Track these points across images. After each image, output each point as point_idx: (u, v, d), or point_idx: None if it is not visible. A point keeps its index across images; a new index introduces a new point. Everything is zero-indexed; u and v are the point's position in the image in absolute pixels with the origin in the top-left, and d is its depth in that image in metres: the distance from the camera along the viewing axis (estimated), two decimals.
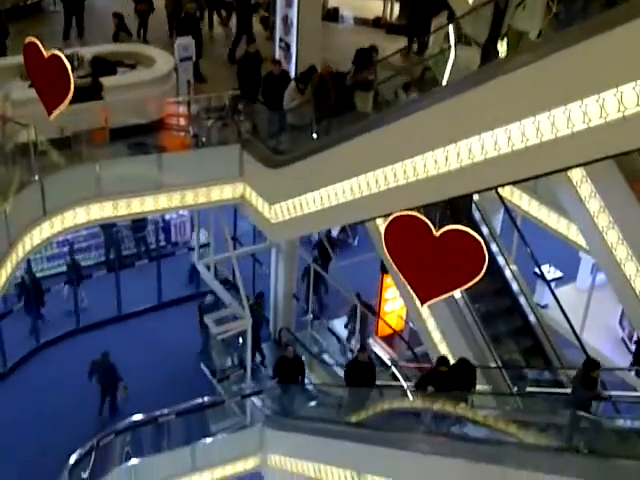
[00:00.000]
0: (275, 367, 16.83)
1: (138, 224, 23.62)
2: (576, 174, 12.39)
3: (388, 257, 9.51)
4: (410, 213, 9.19)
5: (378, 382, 15.86)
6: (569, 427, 11.96)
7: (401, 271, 9.43)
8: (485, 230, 15.52)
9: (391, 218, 9.31)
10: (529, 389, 14.83)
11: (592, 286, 19.16)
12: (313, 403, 16.81)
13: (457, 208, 15.21)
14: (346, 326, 20.30)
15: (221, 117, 15.33)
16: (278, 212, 13.95)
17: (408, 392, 15.42)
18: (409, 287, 9.51)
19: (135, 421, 14.68)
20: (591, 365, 11.79)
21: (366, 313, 19.29)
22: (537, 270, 17.97)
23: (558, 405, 13.59)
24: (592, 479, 9.99)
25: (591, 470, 10.00)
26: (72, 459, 13.59)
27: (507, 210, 16.43)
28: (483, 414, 13.18)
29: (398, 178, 11.06)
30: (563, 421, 12.38)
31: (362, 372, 15.07)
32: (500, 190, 15.70)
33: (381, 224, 14.99)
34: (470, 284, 9.06)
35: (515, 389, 14.43)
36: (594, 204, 12.20)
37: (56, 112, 11.29)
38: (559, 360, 15.15)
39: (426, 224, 8.94)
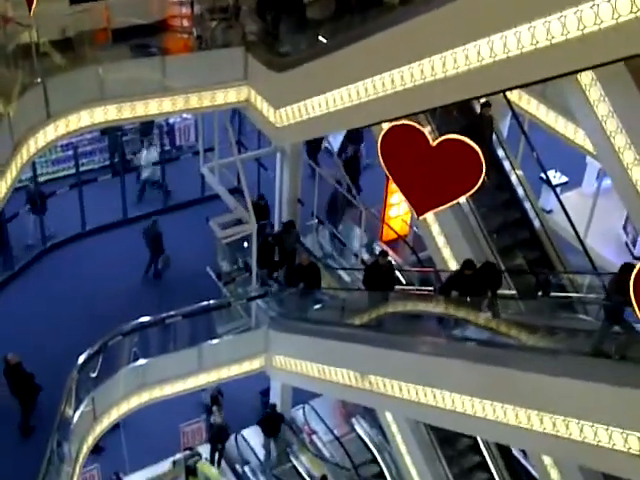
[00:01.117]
0: (294, 274, 16.84)
1: (145, 126, 23.47)
2: (585, 77, 12.20)
3: (384, 167, 9.41)
4: (406, 122, 9.00)
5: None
6: (600, 333, 11.88)
7: (397, 182, 9.32)
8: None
9: (387, 128, 9.08)
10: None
11: (597, 191, 19.13)
12: (318, 306, 17.00)
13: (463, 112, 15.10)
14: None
15: (225, 18, 15.02)
16: (283, 116, 13.81)
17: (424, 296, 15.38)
18: (405, 199, 9.44)
19: (142, 322, 14.90)
20: (629, 269, 11.68)
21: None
22: (543, 175, 17.89)
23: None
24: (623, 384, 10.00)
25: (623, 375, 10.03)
26: (81, 359, 13.85)
27: (514, 115, 16.25)
28: (505, 319, 13.16)
29: (405, 81, 10.89)
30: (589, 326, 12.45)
31: (382, 276, 14.85)
32: (508, 94, 15.50)
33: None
34: (466, 195, 8.96)
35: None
36: (603, 108, 12.05)
37: (34, 5, 11.16)
38: (563, 265, 15.26)
39: (422, 134, 8.70)
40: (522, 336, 12.55)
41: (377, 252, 17.09)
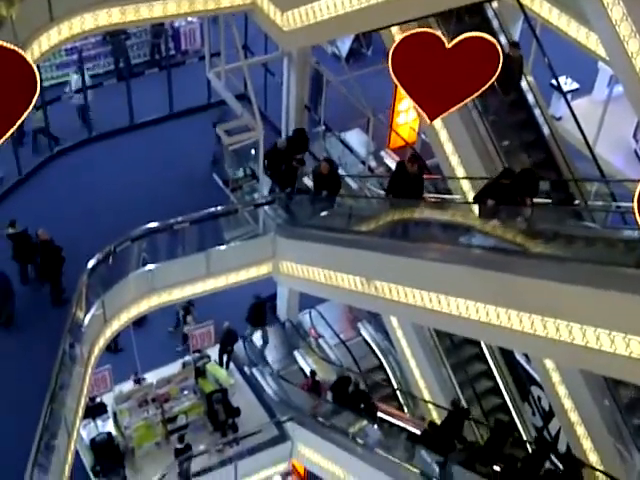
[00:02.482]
0: (314, 183, 16.55)
1: (156, 29, 23.09)
2: None
3: (395, 77, 9.32)
4: (420, 30, 8.93)
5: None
6: None
7: (408, 90, 9.27)
8: (503, 40, 15.11)
9: (400, 38, 9.05)
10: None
11: (608, 98, 18.88)
12: (325, 213, 17.03)
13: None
14: None
15: None
16: (290, 19, 13.54)
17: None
18: (416, 105, 9.39)
19: (150, 228, 15.00)
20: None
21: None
22: (554, 81, 17.64)
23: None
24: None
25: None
26: (90, 264, 13.99)
27: (526, 18, 15.92)
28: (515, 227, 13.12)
29: None
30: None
31: (410, 183, 14.35)
32: None
33: (397, 33, 14.61)
34: (482, 89, 8.93)
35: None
36: (617, 12, 11.76)
37: None
38: (571, 173, 15.20)
39: (438, 38, 8.73)
40: (529, 243, 12.59)
41: (407, 156, 16.20)
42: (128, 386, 17.70)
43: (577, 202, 14.57)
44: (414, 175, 14.27)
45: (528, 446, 16.60)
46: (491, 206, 12.57)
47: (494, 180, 13.19)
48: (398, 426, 18.24)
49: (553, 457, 14.91)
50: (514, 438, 16.18)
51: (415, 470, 14.83)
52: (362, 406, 17.65)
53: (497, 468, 14.64)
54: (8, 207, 19.68)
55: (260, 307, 19.22)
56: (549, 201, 14.14)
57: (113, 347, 17.71)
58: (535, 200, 12.94)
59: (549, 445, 15.92)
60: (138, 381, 17.76)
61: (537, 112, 15.38)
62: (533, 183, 12.85)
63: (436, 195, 16.28)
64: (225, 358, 18.93)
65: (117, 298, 14.52)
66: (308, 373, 19.31)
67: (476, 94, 9.11)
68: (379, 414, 18.14)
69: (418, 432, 16.89)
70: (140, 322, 18.19)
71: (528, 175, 12.90)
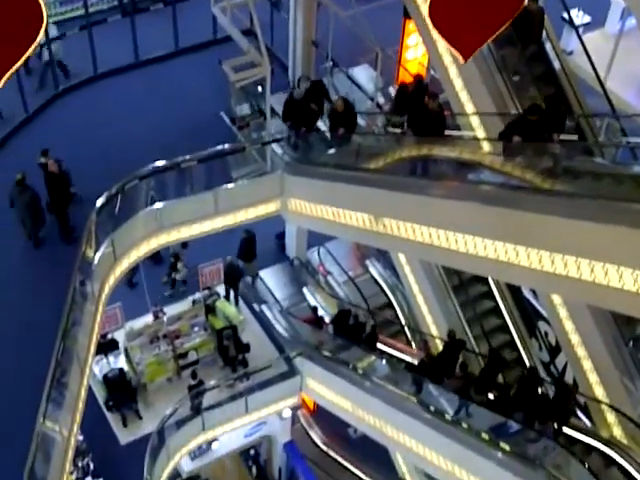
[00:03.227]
0: (330, 121, 16.40)
1: None
2: None
3: (431, 22, 9.22)
4: None
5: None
6: None
7: (441, 31, 9.18)
8: None
9: None
10: None
11: (620, 32, 18.58)
12: (332, 150, 16.94)
13: None
14: None
15: None
16: None
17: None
18: (449, 46, 9.31)
19: (158, 167, 14.95)
20: None
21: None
22: (565, 15, 17.35)
23: None
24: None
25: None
26: (99, 202, 13.99)
27: None
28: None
29: None
30: None
31: (431, 120, 14.24)
32: None
33: None
34: (513, 17, 8.85)
35: None
36: None
37: None
38: (581, 108, 15.04)
39: None
40: (536, 179, 12.54)
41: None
42: (139, 323, 17.90)
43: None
44: (435, 112, 14.12)
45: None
46: (517, 143, 12.36)
47: (520, 116, 12.89)
48: (398, 357, 18.56)
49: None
50: (509, 368, 16.42)
51: (421, 403, 15.09)
52: (363, 337, 17.94)
53: (491, 396, 14.99)
54: (14, 145, 19.65)
55: (250, 242, 19.09)
56: (576, 137, 13.98)
57: (128, 281, 17.91)
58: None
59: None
60: (157, 316, 17.98)
61: (548, 46, 15.15)
62: (560, 119, 12.58)
63: (457, 132, 15.98)
64: (232, 293, 19.06)
65: (126, 236, 14.56)
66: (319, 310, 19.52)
67: (507, 23, 8.98)
68: (379, 345, 18.42)
69: (415, 362, 17.16)
70: (157, 259, 18.42)
71: (555, 110, 12.63)
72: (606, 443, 14.58)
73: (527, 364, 17.59)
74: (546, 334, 17.63)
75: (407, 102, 16.12)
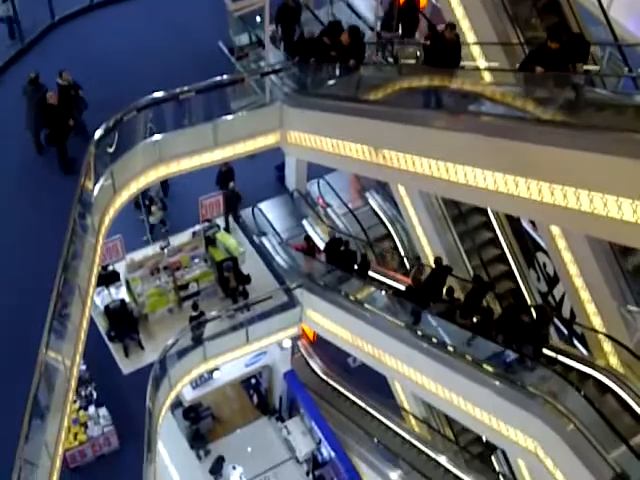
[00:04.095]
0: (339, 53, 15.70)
1: None
2: None
3: None
4: None
5: None
6: None
7: None
8: None
9: None
10: None
11: None
12: (332, 82, 16.74)
13: None
14: None
15: None
16: None
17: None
18: None
19: (156, 98, 14.81)
20: None
21: None
22: None
23: None
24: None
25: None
26: (97, 134, 13.87)
27: None
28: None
29: None
30: None
31: (448, 51, 13.79)
32: None
33: None
34: None
35: None
36: None
37: None
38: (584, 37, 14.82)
39: None
40: (538, 111, 12.43)
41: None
42: (140, 255, 17.99)
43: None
44: (452, 42, 13.79)
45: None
46: (540, 73, 12.00)
47: (541, 45, 12.40)
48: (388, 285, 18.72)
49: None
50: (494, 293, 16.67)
51: (419, 332, 15.28)
52: (356, 266, 18.17)
53: (475, 319, 15.30)
54: (12, 74, 19.40)
55: (227, 174, 19.05)
56: (598, 68, 13.70)
57: (135, 206, 18.18)
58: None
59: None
60: (163, 247, 18.08)
61: None
62: (584, 48, 12.20)
63: (473, 63, 15.44)
64: (231, 221, 19.17)
65: (125, 168, 14.53)
66: (315, 241, 19.60)
67: None
68: (370, 273, 18.62)
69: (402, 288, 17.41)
70: (165, 190, 18.46)
71: (579, 39, 12.26)
72: (601, 371, 14.79)
73: (526, 295, 17.77)
74: (544, 265, 17.73)
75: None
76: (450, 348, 14.76)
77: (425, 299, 15.91)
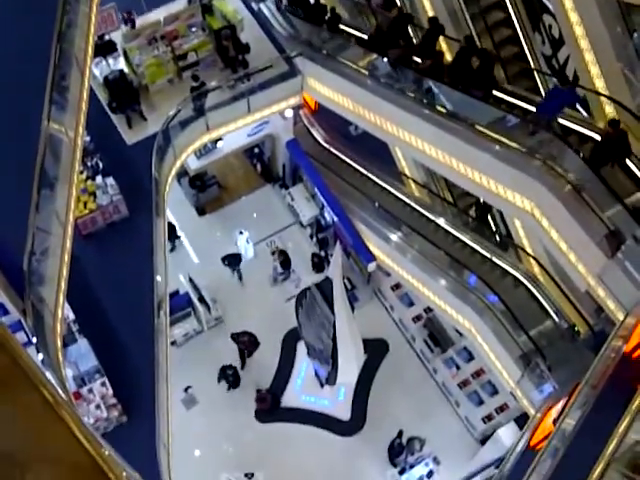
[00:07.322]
0: None
1: None
2: None
3: None
4: None
5: None
6: None
7: None
8: None
9: None
10: None
11: None
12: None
13: None
14: None
15: None
16: None
17: None
18: None
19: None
20: None
21: None
22: None
23: None
24: None
25: None
26: None
27: None
28: None
29: None
30: None
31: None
32: None
33: None
34: None
35: None
36: None
37: None
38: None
39: None
40: None
41: None
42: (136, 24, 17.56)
43: None
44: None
45: None
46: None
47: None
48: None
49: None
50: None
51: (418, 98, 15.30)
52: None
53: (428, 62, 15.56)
54: None
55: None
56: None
57: None
58: None
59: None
60: (126, 22, 17.51)
61: None
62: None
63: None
64: None
65: None
66: None
67: None
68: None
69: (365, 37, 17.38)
70: None
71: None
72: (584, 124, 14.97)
73: (539, 63, 17.46)
74: (550, 27, 17.29)
75: None
76: (448, 111, 14.81)
77: (382, 46, 16.03)
